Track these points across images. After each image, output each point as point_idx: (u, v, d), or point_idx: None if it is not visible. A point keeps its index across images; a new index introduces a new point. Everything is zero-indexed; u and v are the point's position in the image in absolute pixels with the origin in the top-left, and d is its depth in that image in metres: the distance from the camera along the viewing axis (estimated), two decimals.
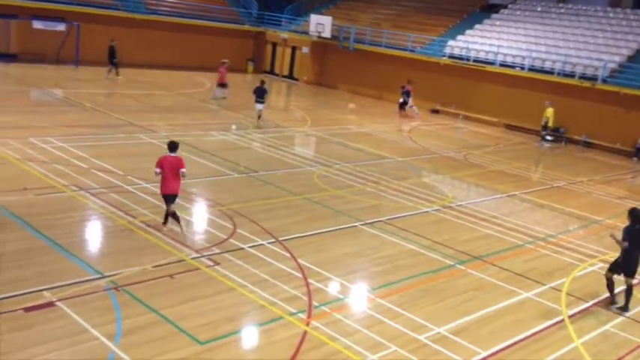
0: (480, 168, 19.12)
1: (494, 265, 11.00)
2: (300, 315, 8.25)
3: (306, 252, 10.44)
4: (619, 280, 9.77)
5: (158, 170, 10.29)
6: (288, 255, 10.21)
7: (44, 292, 7.92)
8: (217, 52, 35.29)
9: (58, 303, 7.73)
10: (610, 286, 9.77)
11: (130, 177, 13.23)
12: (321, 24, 33.50)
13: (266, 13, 38.20)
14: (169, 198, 10.37)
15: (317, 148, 19.64)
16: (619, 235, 9.60)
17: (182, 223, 10.51)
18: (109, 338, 7.13)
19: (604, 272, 9.98)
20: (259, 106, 20.67)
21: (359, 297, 9.21)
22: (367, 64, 32.64)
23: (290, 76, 36.49)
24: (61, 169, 13.13)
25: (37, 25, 28.44)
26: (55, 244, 9.46)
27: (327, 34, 33.33)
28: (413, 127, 25.46)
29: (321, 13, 36.14)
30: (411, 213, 13.49)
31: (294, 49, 36.65)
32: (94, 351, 6.88)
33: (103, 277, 8.57)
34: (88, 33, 29.04)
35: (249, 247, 10.34)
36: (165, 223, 10.62)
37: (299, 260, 10.01)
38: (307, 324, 8.05)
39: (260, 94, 20.66)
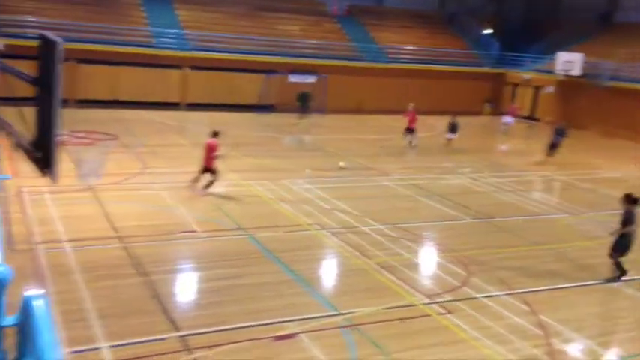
0: None
1: None
2: None
3: (547, 307, 9.59)
4: None
5: None
6: (527, 309, 9.49)
7: (288, 324, 8.59)
8: (452, 95, 35.40)
9: (300, 335, 8.30)
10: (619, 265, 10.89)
11: (366, 218, 13.81)
12: (569, 61, 31.35)
13: (509, 54, 37.07)
14: None
15: (562, 194, 18.15)
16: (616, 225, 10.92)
17: None
18: None
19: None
20: (450, 136, 24.49)
21: None
22: (624, 103, 29.37)
23: (530, 117, 34.71)
24: (306, 209, 14.31)
25: (293, 78, 31.99)
26: (298, 279, 10.25)
27: (576, 71, 31.02)
28: None
29: (570, 50, 33.81)
30: None
31: (536, 88, 34.88)
32: None
33: (339, 315, 8.98)
34: (333, 83, 31.59)
35: (483, 296, 9.89)
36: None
37: (539, 316, 9.24)
38: None
39: (453, 128, 24.43)
